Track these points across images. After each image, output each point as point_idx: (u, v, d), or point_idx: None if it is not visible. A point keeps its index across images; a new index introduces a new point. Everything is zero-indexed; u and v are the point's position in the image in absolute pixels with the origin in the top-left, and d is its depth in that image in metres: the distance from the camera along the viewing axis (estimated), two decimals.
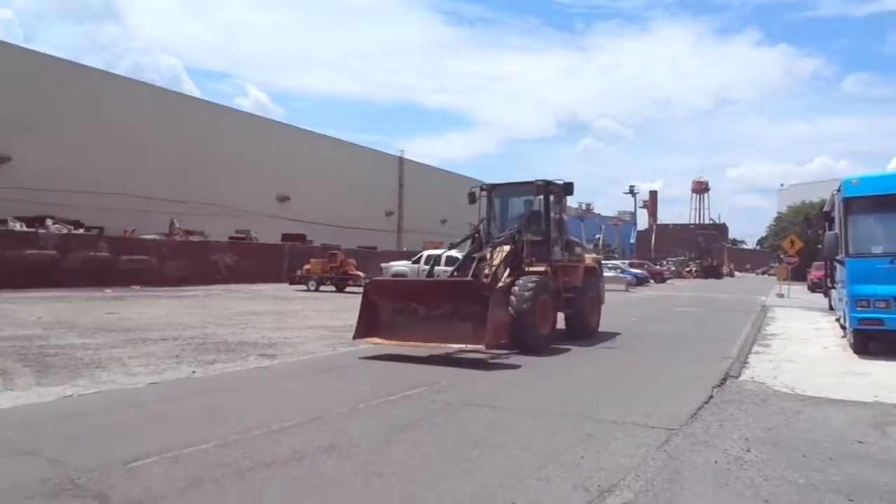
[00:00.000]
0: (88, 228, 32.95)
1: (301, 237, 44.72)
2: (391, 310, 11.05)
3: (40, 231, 29.48)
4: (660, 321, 19.33)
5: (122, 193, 36.37)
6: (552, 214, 13.29)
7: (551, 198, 13.31)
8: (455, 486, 4.64)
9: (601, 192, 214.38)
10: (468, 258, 12.31)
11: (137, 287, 29.71)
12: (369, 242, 51.15)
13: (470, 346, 9.92)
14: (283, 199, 50.28)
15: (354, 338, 10.95)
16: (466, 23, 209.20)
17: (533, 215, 13.16)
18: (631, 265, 53.79)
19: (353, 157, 58.87)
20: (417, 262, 29.87)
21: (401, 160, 66.12)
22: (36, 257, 27.72)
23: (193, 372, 9.12)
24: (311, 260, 34.29)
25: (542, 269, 12.30)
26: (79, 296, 23.68)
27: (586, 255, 14.83)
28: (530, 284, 11.38)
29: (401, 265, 31.38)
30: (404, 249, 50.13)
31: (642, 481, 4.75)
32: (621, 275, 42.28)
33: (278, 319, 17.09)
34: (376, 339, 10.75)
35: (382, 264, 33.10)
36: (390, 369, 9.72)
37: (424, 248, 36.79)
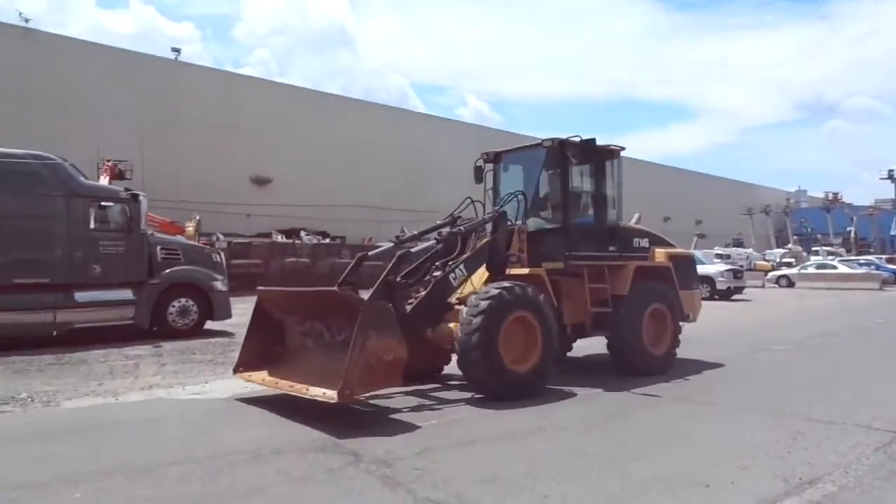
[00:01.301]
0: (333, 238, 37.28)
1: None
2: (290, 331, 7.65)
3: (296, 242, 34.04)
4: None
5: (360, 205, 40.54)
6: (573, 187, 8.90)
7: (573, 164, 8.79)
8: (650, 466, 4.99)
9: (853, 179, 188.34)
10: (431, 255, 8.33)
11: None
12: None
13: (323, 396, 6.20)
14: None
15: (234, 371, 7.75)
16: (687, 7, 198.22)
17: (552, 190, 9.15)
18: (889, 260, 47.25)
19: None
20: None
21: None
22: (294, 264, 32.06)
23: None
24: None
25: (524, 272, 8.16)
26: None
27: (661, 251, 9.66)
28: (482, 303, 7.19)
29: None
30: None
31: (850, 477, 4.70)
32: (875, 271, 37.45)
33: None
34: (260, 376, 7.36)
35: None
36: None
37: None
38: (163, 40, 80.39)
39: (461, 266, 7.83)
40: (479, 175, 9.60)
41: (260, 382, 7.28)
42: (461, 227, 8.37)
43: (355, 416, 6.58)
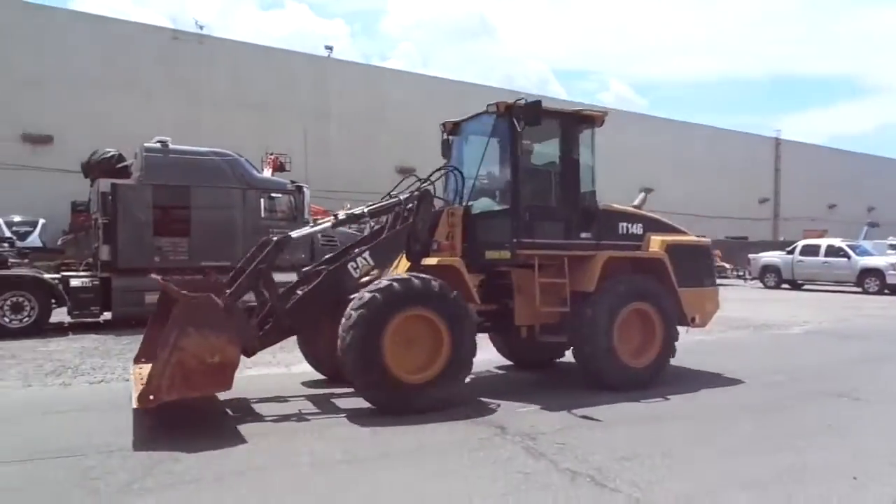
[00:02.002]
0: None
1: None
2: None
3: None
4: None
5: None
6: (523, 161, 7.31)
7: (520, 132, 7.07)
8: (793, 458, 5.00)
9: None
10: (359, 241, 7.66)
11: None
12: (739, 232, 48.30)
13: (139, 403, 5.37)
14: (646, 190, 50.66)
15: (134, 361, 6.93)
16: None
17: (501, 164, 7.68)
18: None
19: (720, 142, 56.08)
20: (791, 252, 27.58)
21: (777, 141, 60.65)
22: None
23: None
24: None
25: (433, 262, 6.91)
26: None
27: (658, 238, 7.82)
28: (366, 296, 6.07)
29: (773, 256, 29.29)
30: (781, 239, 46.12)
31: None
32: None
33: None
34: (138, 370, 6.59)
35: (751, 255, 31.29)
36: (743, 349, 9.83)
37: (804, 237, 33.54)
38: (316, 38, 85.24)
39: (366, 254, 6.80)
40: (445, 149, 8.49)
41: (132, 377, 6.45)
42: (364, 210, 7.29)
43: (500, 394, 7.05)
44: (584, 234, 7.44)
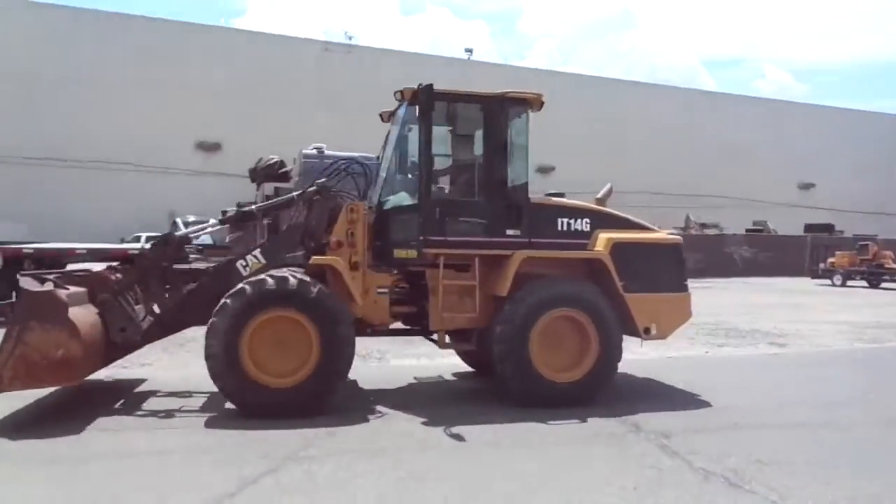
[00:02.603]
0: None
1: (828, 227, 41.30)
2: None
3: None
4: None
5: (640, 192, 39.93)
6: (429, 152, 6.65)
7: (428, 121, 6.62)
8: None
9: None
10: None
11: None
12: None
13: None
14: (806, 186, 47.12)
15: None
16: None
17: (410, 154, 7.25)
18: None
19: (892, 131, 50.96)
20: None
21: None
22: None
23: (706, 352, 10.32)
24: (837, 252, 31.59)
25: (325, 261, 6.46)
26: None
27: (608, 235, 6.86)
28: (226, 300, 5.92)
29: None
30: None
31: None
32: None
33: (794, 312, 16.87)
34: None
35: None
36: None
37: None
38: (457, 41, 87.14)
39: (256, 252, 6.72)
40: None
41: None
42: (253, 208, 7.18)
43: (639, 393, 7.12)
44: (510, 232, 6.73)
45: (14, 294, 11.94)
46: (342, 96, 36.25)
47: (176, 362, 8.80)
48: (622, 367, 6.80)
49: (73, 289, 6.24)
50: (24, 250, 12.43)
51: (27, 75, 32.69)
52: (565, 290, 6.59)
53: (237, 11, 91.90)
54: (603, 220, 7.06)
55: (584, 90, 42.74)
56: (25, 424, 5.77)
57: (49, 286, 5.97)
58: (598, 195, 7.77)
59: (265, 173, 13.89)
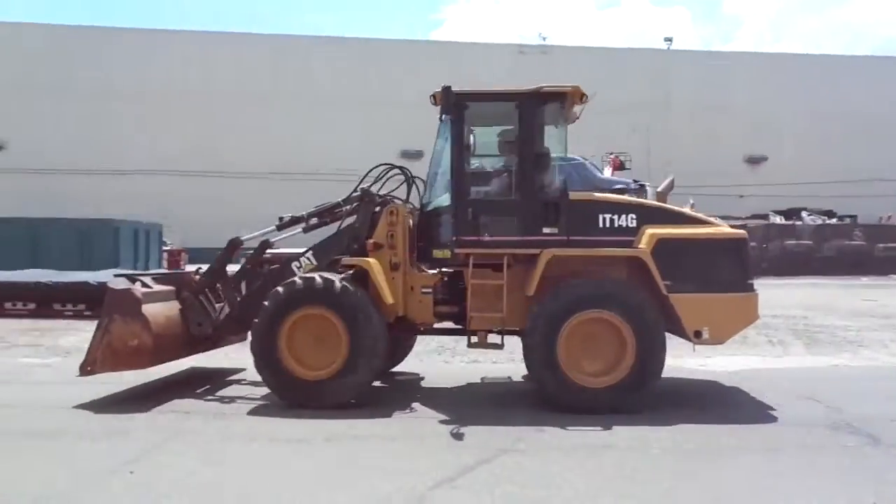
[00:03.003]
0: (841, 217, 33.52)
1: None
2: None
3: (796, 223, 31.83)
4: None
5: (877, 179, 35.42)
6: (462, 152, 6.71)
7: (462, 121, 6.74)
8: None
9: None
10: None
11: None
12: None
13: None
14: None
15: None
16: None
17: (445, 156, 7.10)
18: None
19: None
20: None
21: None
22: (794, 247, 30.16)
23: None
24: None
25: (354, 262, 6.67)
26: (835, 283, 24.68)
27: (655, 231, 6.32)
28: (276, 292, 6.42)
29: None
30: None
31: None
32: None
33: None
34: None
35: None
36: None
37: None
38: (656, 30, 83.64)
39: (309, 254, 7.05)
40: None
41: None
42: (304, 213, 7.35)
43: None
44: (547, 230, 6.50)
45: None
46: None
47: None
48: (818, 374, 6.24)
49: (157, 287, 7.13)
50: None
51: (266, 97, 37.05)
52: (595, 291, 6.31)
53: (436, 23, 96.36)
54: (652, 215, 6.57)
55: (799, 71, 38.93)
56: (268, 409, 6.50)
57: (128, 284, 6.87)
58: (659, 188, 7.34)
59: None
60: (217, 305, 7.44)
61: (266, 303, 6.47)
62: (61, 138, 34.96)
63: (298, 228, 7.42)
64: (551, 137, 7.14)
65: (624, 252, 6.36)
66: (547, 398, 6.34)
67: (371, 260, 6.66)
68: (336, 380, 6.35)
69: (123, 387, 7.12)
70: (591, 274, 6.42)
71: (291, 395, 6.46)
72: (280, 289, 6.47)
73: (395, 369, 8.10)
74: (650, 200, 7.07)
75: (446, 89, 6.51)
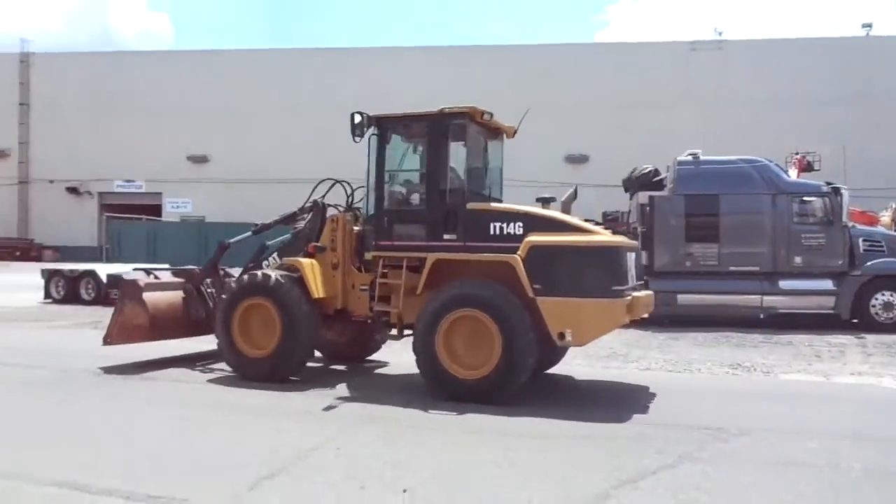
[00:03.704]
0: None
1: None
2: None
3: None
4: None
5: None
6: (379, 168, 7.67)
7: (378, 141, 7.70)
8: None
9: None
10: None
11: None
12: None
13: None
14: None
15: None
16: None
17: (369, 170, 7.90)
18: None
19: None
20: None
21: None
22: None
23: None
24: None
25: (290, 261, 8.00)
26: None
27: (536, 238, 6.72)
28: (230, 286, 8.26)
29: None
30: None
31: None
32: None
33: None
34: None
35: None
36: None
37: None
38: (853, 16, 75.69)
39: (275, 254, 8.76)
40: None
41: None
42: (272, 220, 9.10)
43: None
44: (447, 236, 7.19)
45: None
46: (711, 97, 34.77)
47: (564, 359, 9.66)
48: None
49: (166, 279, 9.12)
50: None
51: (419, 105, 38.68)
52: (468, 291, 6.84)
53: (601, 24, 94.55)
54: (538, 224, 6.99)
55: None
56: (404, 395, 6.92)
57: (136, 276, 9.04)
58: (563, 199, 7.87)
59: (639, 182, 14.22)
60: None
61: (224, 295, 8.09)
62: (255, 152, 38.72)
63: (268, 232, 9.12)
64: (494, 151, 8.25)
65: (496, 257, 6.87)
66: (428, 387, 6.98)
67: (304, 260, 7.73)
68: (273, 358, 7.52)
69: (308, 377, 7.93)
70: (475, 277, 6.97)
71: (244, 371, 7.72)
72: (233, 283, 8.07)
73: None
74: (538, 209, 7.45)
75: (352, 115, 7.47)
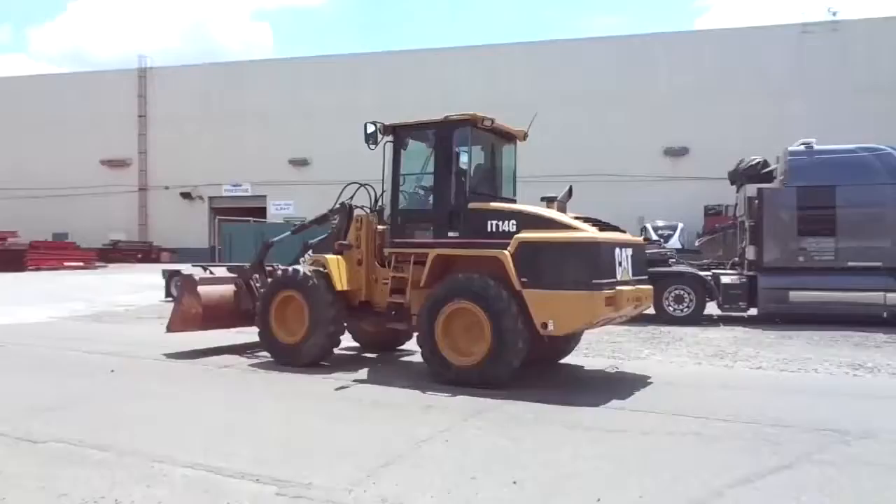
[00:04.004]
0: None
1: None
2: None
3: None
4: None
5: None
6: (395, 172, 8.37)
7: (396, 147, 8.42)
8: None
9: None
10: None
11: None
12: None
13: None
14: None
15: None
16: None
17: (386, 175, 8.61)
18: None
19: None
20: None
21: None
22: None
23: None
24: None
25: (316, 258, 8.84)
26: None
27: (525, 235, 7.20)
28: (268, 281, 9.31)
29: None
30: None
31: None
32: None
33: None
34: None
35: None
36: None
37: None
38: None
39: (310, 251, 9.36)
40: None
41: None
42: (306, 220, 10.36)
43: None
44: (451, 234, 7.78)
45: None
46: (825, 83, 32.76)
47: (669, 356, 9.47)
48: None
49: (220, 275, 10.05)
50: None
51: (522, 107, 38.57)
52: (462, 285, 7.36)
53: (700, 10, 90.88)
54: (529, 222, 7.40)
55: None
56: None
57: (192, 272, 10.02)
58: (559, 197, 7.99)
59: (747, 174, 13.68)
60: None
61: (264, 289, 9.11)
62: (352, 154, 39.81)
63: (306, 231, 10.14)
64: (507, 153, 8.81)
65: (487, 252, 7.37)
66: (431, 371, 7.56)
67: (330, 256, 8.49)
68: (302, 344, 8.32)
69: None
70: (472, 271, 7.37)
71: (280, 356, 8.56)
72: (270, 278, 9.04)
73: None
74: (531, 207, 7.76)
75: (378, 124, 8.26)
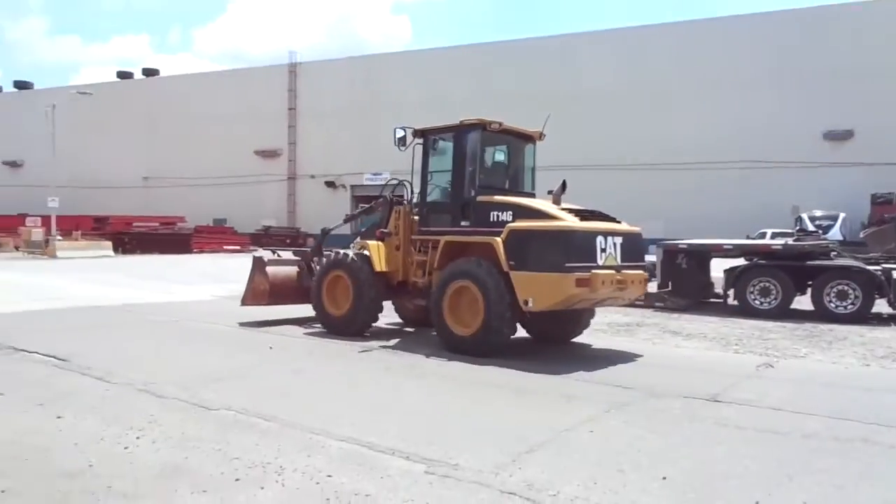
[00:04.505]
0: None
1: None
2: None
3: None
4: None
5: None
6: (424, 169, 9.74)
7: (429, 145, 9.77)
8: None
9: None
10: None
11: None
12: None
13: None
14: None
15: None
16: None
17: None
18: None
19: None
20: None
21: None
22: None
23: None
24: None
25: (361, 244, 10.09)
26: None
27: (516, 225, 8.29)
28: (321, 262, 10.62)
29: None
30: None
31: None
32: None
33: None
34: None
35: None
36: None
37: None
38: None
39: (358, 238, 10.82)
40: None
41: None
42: (355, 211, 12.33)
43: None
44: (463, 223, 8.93)
45: (669, 284, 13.82)
46: None
47: (831, 356, 8.78)
48: None
49: (286, 257, 11.53)
50: (679, 245, 14.19)
51: (662, 93, 36.96)
52: (462, 267, 8.48)
53: None
54: (522, 213, 8.42)
55: None
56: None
57: (262, 254, 11.27)
58: (553, 192, 8.76)
59: None
60: None
61: (318, 267, 10.48)
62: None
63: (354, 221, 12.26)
64: (527, 151, 9.84)
65: (483, 239, 8.41)
66: (442, 341, 8.69)
67: (371, 242, 9.74)
68: (347, 315, 9.60)
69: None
70: (475, 256, 8.44)
71: (330, 327, 9.87)
72: (324, 260, 10.31)
73: None
74: (526, 200, 8.85)
75: (410, 129, 9.62)
